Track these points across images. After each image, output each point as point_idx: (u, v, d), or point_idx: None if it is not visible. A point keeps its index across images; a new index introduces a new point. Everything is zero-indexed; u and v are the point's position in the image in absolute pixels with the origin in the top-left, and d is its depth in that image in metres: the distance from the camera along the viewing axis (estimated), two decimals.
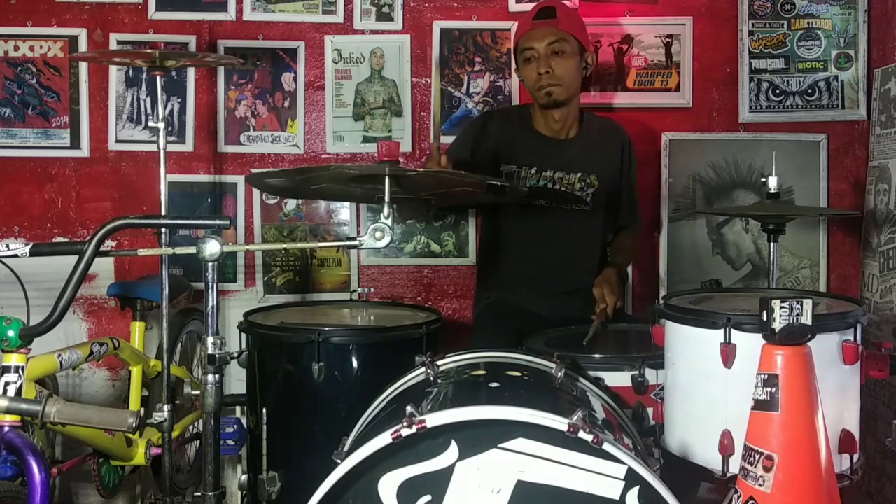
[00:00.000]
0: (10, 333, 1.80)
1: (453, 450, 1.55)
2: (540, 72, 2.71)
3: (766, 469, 1.54)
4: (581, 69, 2.80)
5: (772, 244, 2.54)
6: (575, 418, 1.51)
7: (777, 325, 1.56)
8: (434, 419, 1.53)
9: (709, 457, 1.89)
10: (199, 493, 1.90)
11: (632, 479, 1.52)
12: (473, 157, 2.81)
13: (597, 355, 2.21)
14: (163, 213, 2.57)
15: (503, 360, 2.07)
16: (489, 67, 3.25)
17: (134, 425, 1.63)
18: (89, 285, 3.19)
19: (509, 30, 3.22)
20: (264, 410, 2.25)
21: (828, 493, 1.55)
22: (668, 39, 3.25)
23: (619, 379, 2.16)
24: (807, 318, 1.56)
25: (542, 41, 2.72)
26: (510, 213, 2.84)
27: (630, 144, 2.96)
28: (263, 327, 2.39)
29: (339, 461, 1.56)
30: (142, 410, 2.58)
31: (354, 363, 2.30)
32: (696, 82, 3.25)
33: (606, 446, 1.50)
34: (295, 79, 3.26)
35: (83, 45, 3.21)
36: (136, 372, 2.63)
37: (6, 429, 1.74)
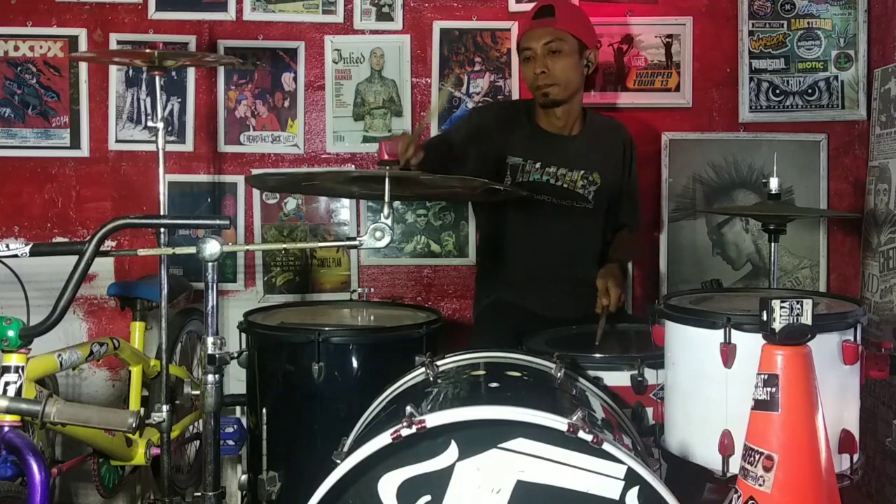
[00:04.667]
0: (10, 333, 1.80)
1: (453, 450, 1.55)
2: (536, 71, 2.71)
3: (766, 469, 1.54)
4: (581, 67, 2.78)
5: (772, 244, 2.54)
6: (575, 418, 1.51)
7: (777, 325, 1.56)
8: (434, 419, 1.53)
9: (709, 457, 1.89)
10: (199, 493, 1.90)
11: (631, 478, 1.52)
12: (476, 145, 2.78)
13: (596, 355, 2.21)
14: (162, 213, 2.57)
15: (503, 360, 2.07)
16: (489, 67, 3.25)
17: (134, 425, 1.63)
18: (89, 285, 3.19)
19: (509, 30, 3.22)
20: (264, 410, 2.25)
21: (828, 493, 1.55)
22: (668, 39, 3.25)
23: (618, 379, 2.16)
24: (807, 318, 1.56)
25: (539, 41, 2.71)
26: (510, 209, 2.83)
27: (632, 143, 2.96)
28: (263, 327, 2.39)
29: (338, 461, 1.56)
30: (142, 410, 2.58)
31: (354, 363, 2.30)
32: (696, 82, 3.25)
33: (606, 446, 1.50)
34: (295, 79, 3.26)
35: (83, 45, 3.21)
36: (136, 372, 2.63)
37: (6, 429, 1.74)
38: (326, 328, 2.32)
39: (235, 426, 2.44)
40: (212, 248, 1.78)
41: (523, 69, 2.80)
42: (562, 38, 2.71)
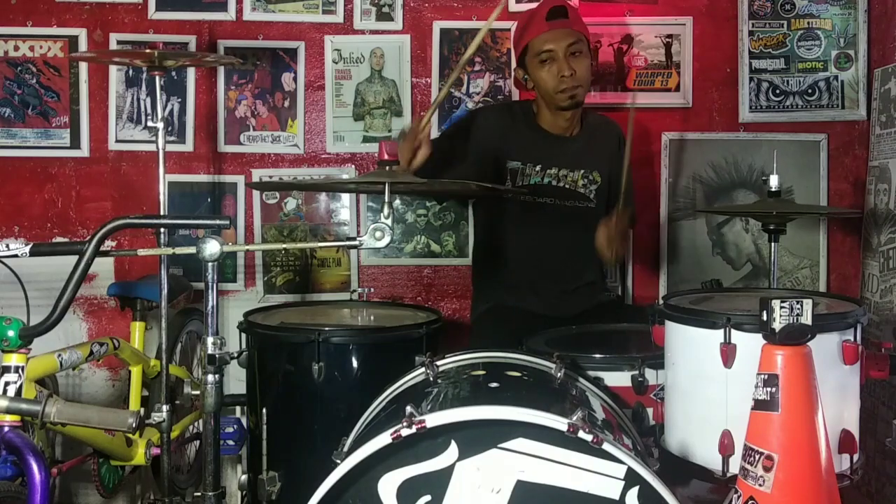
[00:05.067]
0: (10, 333, 1.80)
1: (453, 450, 1.55)
2: (564, 74, 2.67)
3: (766, 469, 1.54)
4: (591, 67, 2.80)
5: (772, 244, 2.54)
6: (575, 418, 1.50)
7: (777, 325, 1.56)
8: (434, 419, 1.53)
9: (709, 457, 1.89)
10: (199, 493, 1.90)
11: (631, 478, 1.52)
12: (474, 149, 2.77)
13: (597, 355, 2.21)
14: (162, 213, 2.57)
15: (503, 360, 2.07)
16: (489, 67, 3.25)
17: (134, 425, 1.63)
18: (89, 285, 3.19)
19: (509, 30, 3.21)
20: (264, 410, 2.25)
21: (828, 493, 1.55)
22: (668, 39, 3.25)
23: (618, 379, 2.16)
24: (807, 318, 1.56)
25: (562, 42, 2.68)
26: (511, 212, 2.83)
27: (623, 136, 2.95)
28: (263, 327, 2.39)
29: (338, 461, 1.56)
30: (142, 410, 2.58)
31: (354, 363, 2.30)
32: (696, 82, 3.25)
33: (606, 446, 1.50)
34: (295, 79, 3.26)
35: (83, 45, 3.21)
36: (136, 372, 2.63)
37: (6, 429, 1.74)
38: (326, 328, 2.32)
39: (235, 426, 2.44)
40: (212, 248, 1.78)
41: (542, 72, 2.72)
42: (580, 40, 2.71)
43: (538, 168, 2.80)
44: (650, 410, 2.14)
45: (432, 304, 3.19)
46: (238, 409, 2.77)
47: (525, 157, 2.80)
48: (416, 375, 2.00)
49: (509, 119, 2.86)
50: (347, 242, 2.04)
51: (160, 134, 2.50)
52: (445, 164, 2.67)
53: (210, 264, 1.80)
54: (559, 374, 1.89)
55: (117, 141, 3.25)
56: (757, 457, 1.56)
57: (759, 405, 1.58)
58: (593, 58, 2.87)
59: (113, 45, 3.21)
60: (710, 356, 1.87)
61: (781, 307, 1.55)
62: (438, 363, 2.01)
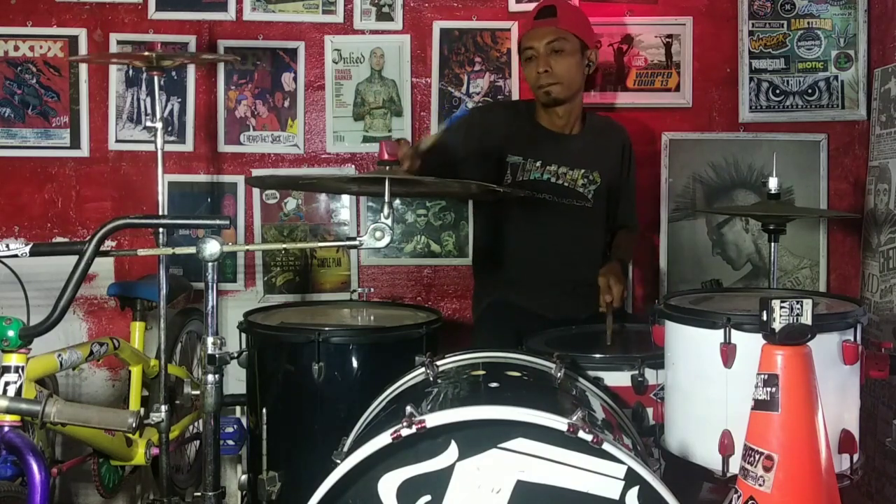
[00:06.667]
0: (10, 333, 1.80)
1: (453, 450, 1.55)
2: (539, 70, 2.72)
3: (766, 469, 1.54)
4: (583, 66, 2.79)
5: (772, 244, 2.53)
6: (575, 418, 1.51)
7: (777, 325, 1.56)
8: (434, 419, 1.53)
9: (709, 457, 1.89)
10: (199, 493, 1.90)
11: (631, 478, 1.52)
12: (477, 145, 2.78)
13: (596, 355, 2.21)
14: (162, 213, 2.57)
15: (503, 360, 2.07)
16: (489, 67, 3.25)
17: (134, 425, 1.63)
18: (89, 285, 3.19)
19: (509, 30, 3.22)
20: (264, 410, 2.26)
21: (828, 493, 1.55)
22: (668, 39, 3.25)
23: (618, 379, 2.16)
24: (807, 318, 1.56)
25: (542, 40, 2.72)
26: (510, 208, 2.83)
27: (630, 145, 2.96)
28: (263, 327, 2.39)
29: (338, 461, 1.56)
30: (142, 410, 2.58)
31: (354, 363, 2.30)
32: (696, 82, 3.25)
33: (606, 446, 1.50)
34: (295, 79, 3.26)
35: (83, 45, 3.21)
36: (135, 372, 2.63)
37: (6, 429, 1.74)
38: (326, 328, 2.32)
39: (235, 426, 2.43)
40: (212, 248, 1.78)
41: (525, 69, 2.80)
42: (564, 38, 2.72)
43: (538, 164, 2.81)
44: (650, 410, 2.14)
45: (432, 304, 3.19)
46: (238, 409, 2.76)
47: (526, 153, 2.81)
48: (416, 375, 2.00)
49: (512, 115, 2.88)
50: (347, 242, 2.03)
51: (159, 134, 2.50)
52: (448, 160, 2.67)
53: (210, 264, 1.80)
54: (559, 374, 1.89)
55: (117, 141, 3.25)
56: (757, 457, 1.56)
57: (759, 405, 1.58)
58: (596, 56, 2.87)
59: (113, 45, 3.20)
60: (710, 356, 1.87)
61: (781, 307, 1.55)
62: (438, 363, 2.01)
